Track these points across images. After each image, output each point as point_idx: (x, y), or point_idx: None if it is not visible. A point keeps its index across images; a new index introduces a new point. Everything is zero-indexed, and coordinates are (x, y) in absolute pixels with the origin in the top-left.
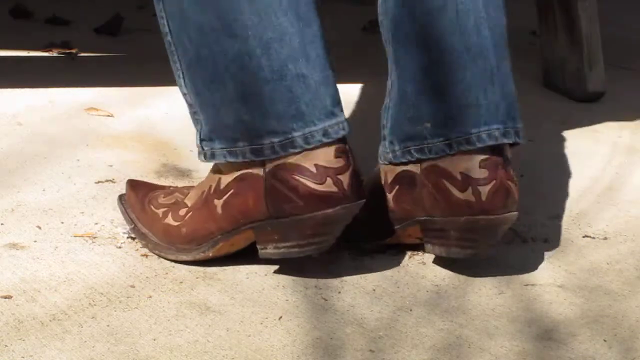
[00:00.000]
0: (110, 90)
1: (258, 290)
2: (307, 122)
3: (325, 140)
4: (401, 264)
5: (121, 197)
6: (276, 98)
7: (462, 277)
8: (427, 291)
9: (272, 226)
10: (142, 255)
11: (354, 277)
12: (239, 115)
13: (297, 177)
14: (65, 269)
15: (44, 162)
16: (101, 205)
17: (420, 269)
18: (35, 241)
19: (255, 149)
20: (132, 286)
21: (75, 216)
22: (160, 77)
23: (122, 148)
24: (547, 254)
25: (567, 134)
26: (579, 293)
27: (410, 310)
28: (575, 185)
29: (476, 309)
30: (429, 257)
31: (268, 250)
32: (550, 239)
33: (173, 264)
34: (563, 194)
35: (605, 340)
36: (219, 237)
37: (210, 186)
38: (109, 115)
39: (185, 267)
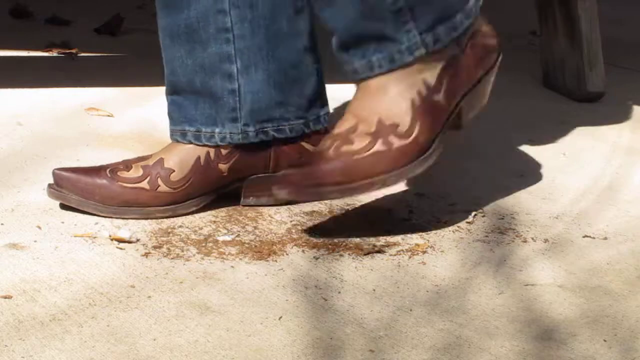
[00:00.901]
0: (110, 90)
1: (258, 290)
2: (317, 108)
3: (325, 124)
4: (401, 264)
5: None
6: (307, 87)
7: (462, 277)
8: (427, 291)
9: (265, 179)
10: (142, 255)
11: (354, 277)
12: (284, 99)
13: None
14: (65, 269)
15: (44, 162)
16: None
17: (420, 269)
18: (35, 241)
19: (280, 129)
20: (132, 286)
21: (75, 216)
22: (160, 77)
23: (122, 148)
24: (547, 254)
25: (567, 134)
26: (579, 293)
27: (410, 310)
28: (575, 185)
29: (476, 309)
30: (429, 257)
31: (249, 200)
32: (550, 239)
33: (173, 264)
34: (563, 194)
35: (605, 340)
36: (217, 190)
37: (208, 152)
38: (109, 115)
39: (185, 267)
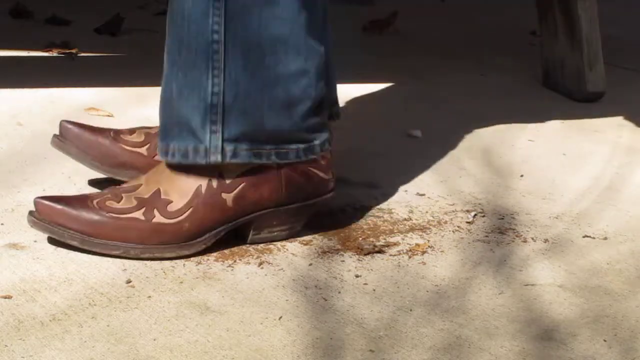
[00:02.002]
0: (110, 90)
1: (258, 290)
2: (323, 132)
3: (329, 147)
4: (401, 264)
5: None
6: (309, 112)
7: (462, 277)
8: (427, 291)
9: (280, 212)
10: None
11: (354, 277)
12: (280, 123)
13: (312, 169)
14: (65, 269)
15: (44, 162)
16: None
17: (420, 269)
18: (35, 241)
19: (281, 152)
20: (132, 286)
21: None
22: (160, 77)
23: None
24: (547, 254)
25: (567, 134)
26: (579, 293)
27: (410, 310)
28: (575, 185)
29: (476, 309)
30: (429, 257)
31: (261, 235)
32: (550, 239)
33: (173, 263)
34: (563, 194)
35: (605, 340)
36: (223, 227)
37: (210, 181)
38: (109, 115)
39: (185, 267)
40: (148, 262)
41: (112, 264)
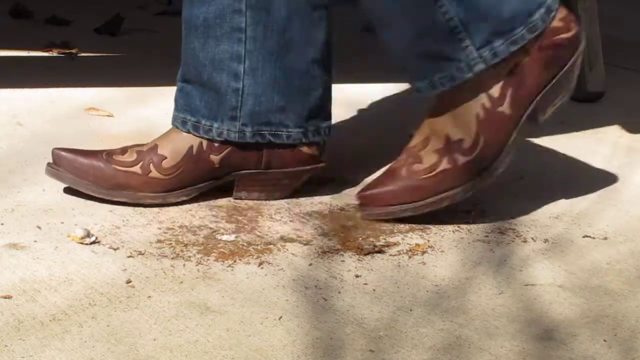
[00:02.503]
0: (110, 90)
1: (258, 290)
2: (320, 120)
3: (325, 138)
4: (401, 264)
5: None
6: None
7: (462, 277)
8: (427, 291)
9: (256, 175)
10: (142, 255)
11: (354, 277)
12: (286, 104)
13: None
14: (65, 269)
15: (44, 162)
16: (101, 205)
17: (420, 269)
18: (35, 241)
19: (277, 134)
20: (132, 286)
21: (75, 216)
22: (160, 77)
23: None
24: (547, 254)
25: (567, 134)
26: (579, 293)
27: (410, 310)
28: (575, 185)
29: (476, 309)
30: (429, 257)
31: (241, 194)
32: (550, 239)
33: (173, 263)
34: (563, 194)
35: (605, 340)
36: (206, 184)
37: (201, 143)
38: (109, 115)
39: (185, 267)
40: (148, 262)
41: (112, 264)
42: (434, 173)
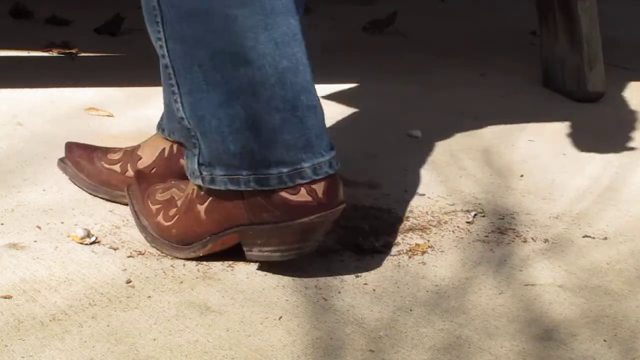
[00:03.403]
0: (110, 90)
1: (258, 290)
2: (315, 154)
3: (330, 171)
4: (401, 264)
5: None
6: (286, 128)
7: (462, 277)
8: (427, 291)
9: (253, 231)
10: (142, 255)
11: (354, 277)
12: (246, 144)
13: (284, 195)
14: (65, 269)
15: (44, 162)
16: (101, 205)
17: (420, 269)
18: (35, 241)
19: (261, 178)
20: (132, 286)
21: (75, 216)
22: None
23: None
24: (547, 254)
25: (567, 134)
26: (579, 293)
27: (410, 310)
28: (575, 185)
29: (476, 309)
30: (429, 257)
31: (253, 253)
32: (550, 239)
33: (173, 263)
34: (563, 194)
35: (605, 340)
36: (208, 238)
37: (193, 190)
38: (109, 115)
39: (185, 267)
40: (148, 262)
41: (112, 264)
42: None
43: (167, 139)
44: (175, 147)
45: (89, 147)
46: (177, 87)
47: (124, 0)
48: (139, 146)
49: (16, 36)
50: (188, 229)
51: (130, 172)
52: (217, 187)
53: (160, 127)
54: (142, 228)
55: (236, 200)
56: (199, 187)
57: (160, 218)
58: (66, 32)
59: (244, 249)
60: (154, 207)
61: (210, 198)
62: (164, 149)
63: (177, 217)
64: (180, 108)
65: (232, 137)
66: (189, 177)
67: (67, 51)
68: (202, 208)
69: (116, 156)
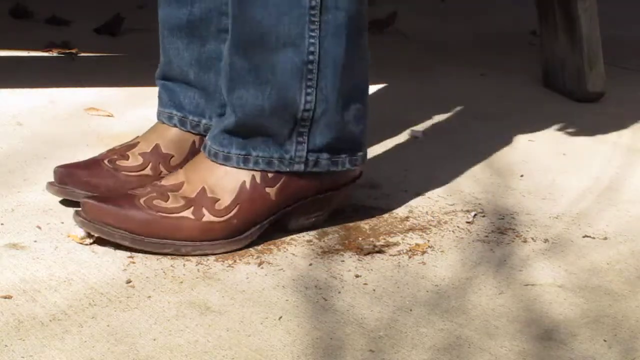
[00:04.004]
0: (110, 90)
1: (258, 290)
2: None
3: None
4: (401, 264)
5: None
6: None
7: (462, 277)
8: (427, 291)
9: (318, 200)
10: (142, 255)
11: (354, 277)
12: (363, 130)
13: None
14: (65, 269)
15: (44, 162)
16: None
17: (420, 269)
18: (35, 241)
19: (352, 159)
20: (132, 286)
21: None
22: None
23: None
24: (547, 254)
25: (567, 134)
26: (579, 293)
27: (410, 310)
28: (575, 185)
29: (476, 309)
30: (429, 257)
31: (299, 222)
32: (550, 239)
33: (173, 263)
34: (563, 194)
35: (605, 340)
36: (267, 220)
37: (253, 176)
38: (109, 115)
39: (185, 267)
40: (148, 262)
41: (112, 264)
42: (172, 216)
43: (190, 132)
44: (198, 139)
45: (84, 171)
46: (315, 82)
47: (124, 0)
48: (138, 142)
49: (16, 36)
50: (254, 214)
51: (165, 172)
52: (319, 170)
53: (167, 116)
54: (166, 246)
55: (311, 176)
56: (261, 174)
57: (206, 218)
58: (66, 32)
59: (292, 220)
60: (180, 213)
61: (284, 178)
62: (193, 142)
63: (237, 206)
64: (312, 100)
65: (349, 126)
66: (263, 166)
67: (67, 51)
68: (272, 190)
69: (134, 161)
